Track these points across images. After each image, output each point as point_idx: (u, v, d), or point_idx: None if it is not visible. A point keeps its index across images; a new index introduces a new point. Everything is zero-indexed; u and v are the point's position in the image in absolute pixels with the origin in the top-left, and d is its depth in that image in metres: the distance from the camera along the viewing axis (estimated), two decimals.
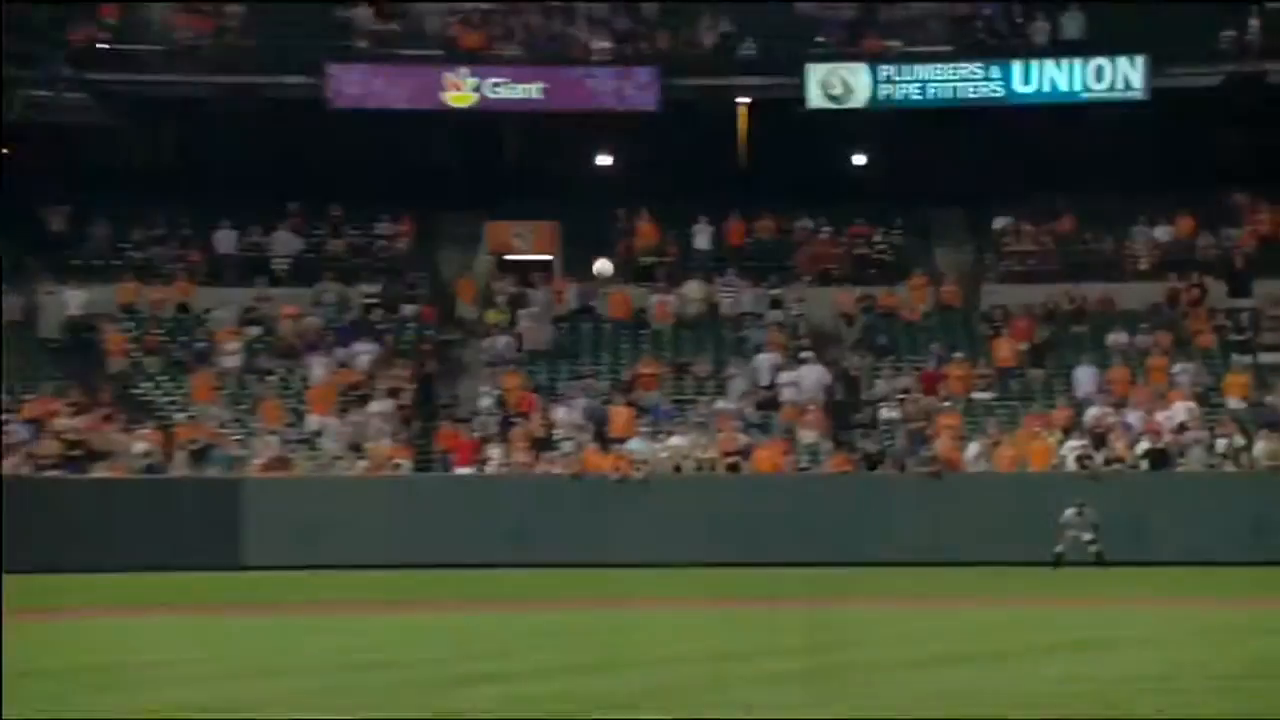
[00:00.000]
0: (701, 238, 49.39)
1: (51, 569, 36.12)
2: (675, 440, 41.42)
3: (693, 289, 47.53)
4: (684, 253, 49.33)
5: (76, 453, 43.11)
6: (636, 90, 48.35)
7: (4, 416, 44.19)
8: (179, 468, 42.82)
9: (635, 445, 41.35)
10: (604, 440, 42.14)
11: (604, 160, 51.12)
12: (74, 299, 49.10)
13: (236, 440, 44.04)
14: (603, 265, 9.93)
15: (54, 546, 38.99)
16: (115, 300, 49.01)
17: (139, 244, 51.45)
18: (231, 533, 40.49)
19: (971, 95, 46.82)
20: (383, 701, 10.77)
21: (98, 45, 50.57)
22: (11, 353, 47.06)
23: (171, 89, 50.65)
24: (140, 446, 43.15)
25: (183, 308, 49.12)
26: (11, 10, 50.06)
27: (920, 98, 46.98)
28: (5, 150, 52.68)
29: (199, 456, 43.23)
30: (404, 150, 50.70)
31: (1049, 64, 46.73)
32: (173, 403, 46.11)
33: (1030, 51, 47.26)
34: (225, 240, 50.70)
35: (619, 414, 42.78)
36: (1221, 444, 40.17)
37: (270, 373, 46.54)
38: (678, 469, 40.79)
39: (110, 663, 14.11)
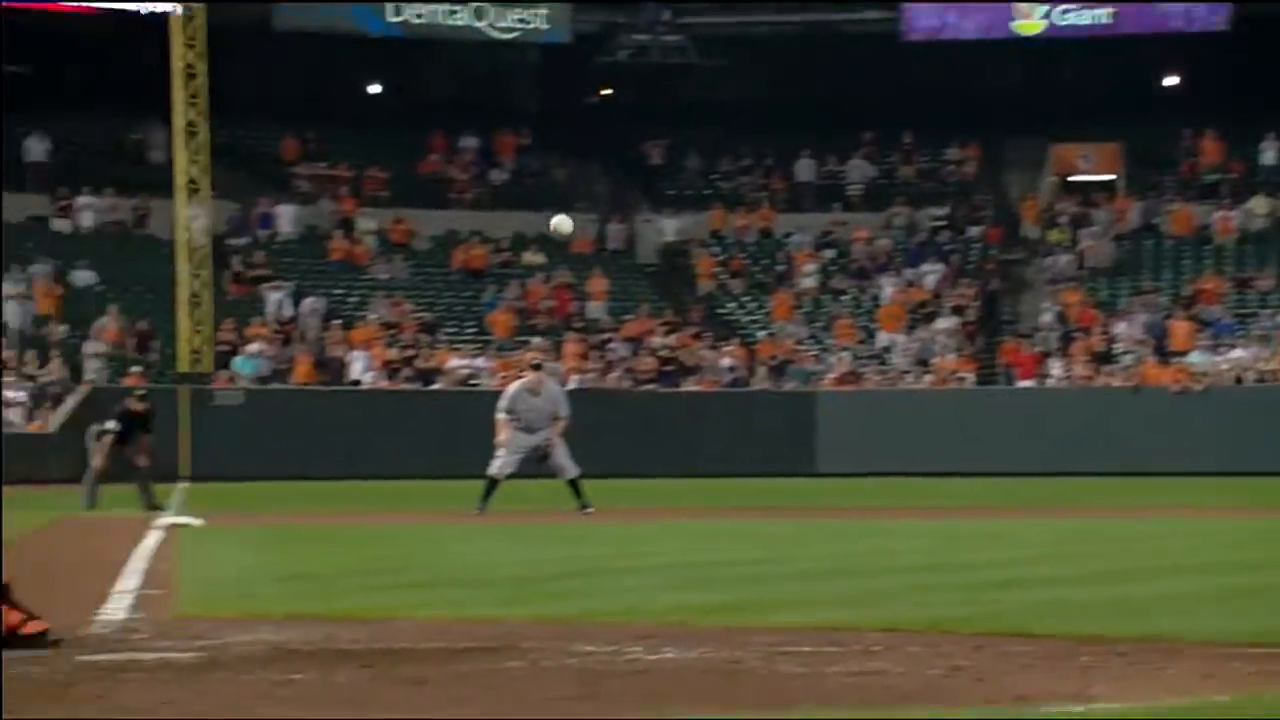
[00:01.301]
0: (1269, 154, 47.00)
1: (641, 474, 36.79)
2: (1237, 353, 39.57)
3: (1258, 204, 45.32)
4: (1249, 169, 47.08)
5: (669, 368, 43.86)
6: (1206, 11, 46.30)
7: (606, 335, 45.33)
8: (760, 381, 43.11)
9: (1195, 358, 39.67)
10: (1164, 354, 40.61)
11: (1169, 81, 49.17)
12: (669, 226, 49.98)
13: (812, 356, 44.06)
14: (560, 221, 8.72)
15: (648, 454, 39.76)
16: (705, 227, 49.71)
17: (727, 174, 52.00)
18: (807, 442, 40.59)
19: None
20: (927, 600, 10.27)
21: None
22: (614, 278, 48.28)
23: (758, 28, 51.00)
24: (726, 362, 43.60)
25: (765, 233, 49.40)
26: None
27: None
28: (610, 90, 54.02)
29: (778, 371, 43.42)
30: (972, 78, 49.77)
31: None
32: (755, 321, 46.44)
33: None
34: (805, 169, 50.79)
35: (1179, 328, 41.09)
36: None
37: (844, 292, 46.41)
38: (1238, 381, 39.03)
39: (684, 562, 14.05)
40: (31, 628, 8.21)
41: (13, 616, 8.18)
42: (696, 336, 44.84)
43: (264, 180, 51.66)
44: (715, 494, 30.05)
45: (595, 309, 46.70)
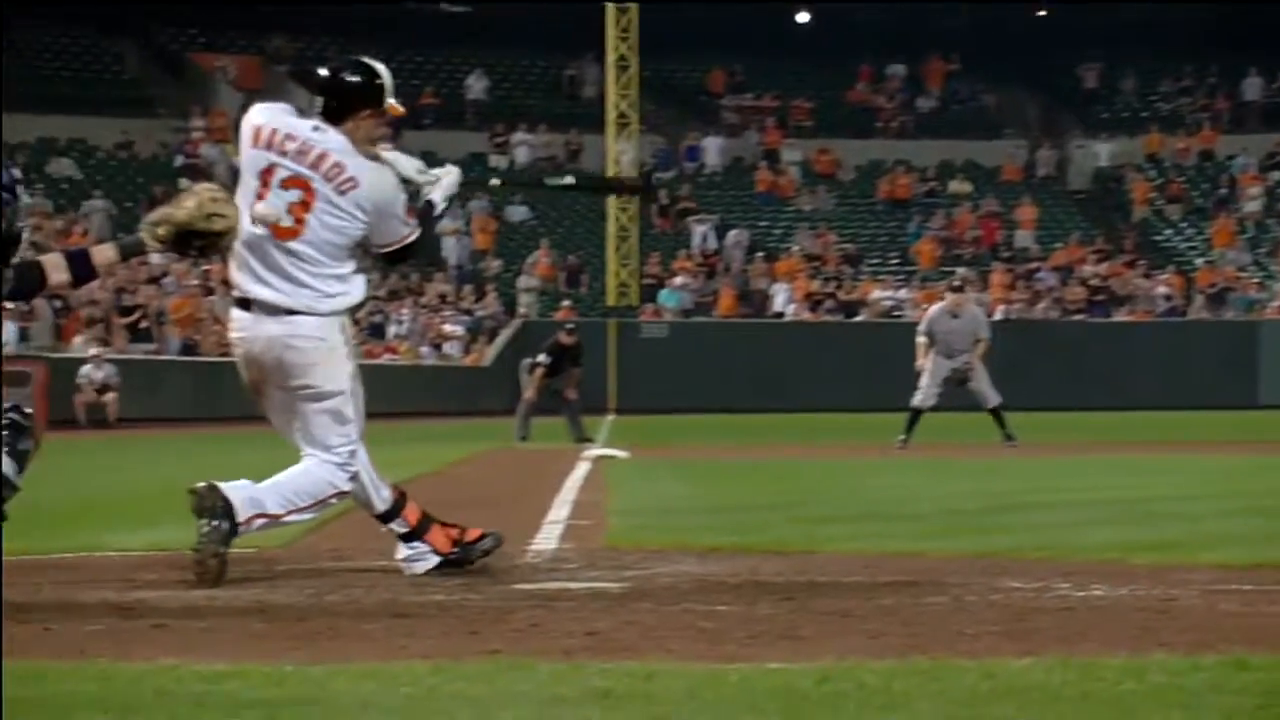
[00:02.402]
0: None
1: (1069, 407, 36.14)
2: None
3: None
4: None
5: (1100, 298, 42.94)
6: None
7: (1034, 264, 44.58)
8: (1197, 311, 41.90)
9: None
10: None
11: None
12: (1102, 151, 48.88)
13: (1255, 283, 42.62)
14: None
15: (1077, 386, 39.05)
16: (1141, 150, 48.43)
17: (1165, 96, 50.53)
18: (1248, 373, 39.32)
19: None
20: None
21: None
22: (1044, 205, 47.44)
23: None
24: (1161, 290, 42.50)
25: (1206, 155, 47.89)
26: None
27: None
28: (1044, 12, 52.96)
29: (1217, 300, 42.13)
30: None
31: None
32: (1192, 248, 45.11)
33: None
34: (1251, 87, 49.05)
35: None
36: None
37: None
38: None
39: (1114, 497, 13.78)
40: (473, 534, 8.56)
41: (450, 531, 8.51)
42: (1129, 265, 43.80)
43: (691, 113, 52.32)
44: (1148, 427, 29.35)
45: (1023, 237, 46.02)
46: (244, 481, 8.05)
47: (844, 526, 10.97)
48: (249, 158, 8.12)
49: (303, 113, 8.24)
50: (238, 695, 5.12)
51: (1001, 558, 9.07)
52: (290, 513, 8.13)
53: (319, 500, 8.20)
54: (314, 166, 8.05)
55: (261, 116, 8.16)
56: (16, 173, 7.63)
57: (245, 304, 8.15)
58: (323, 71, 8.26)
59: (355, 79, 8.17)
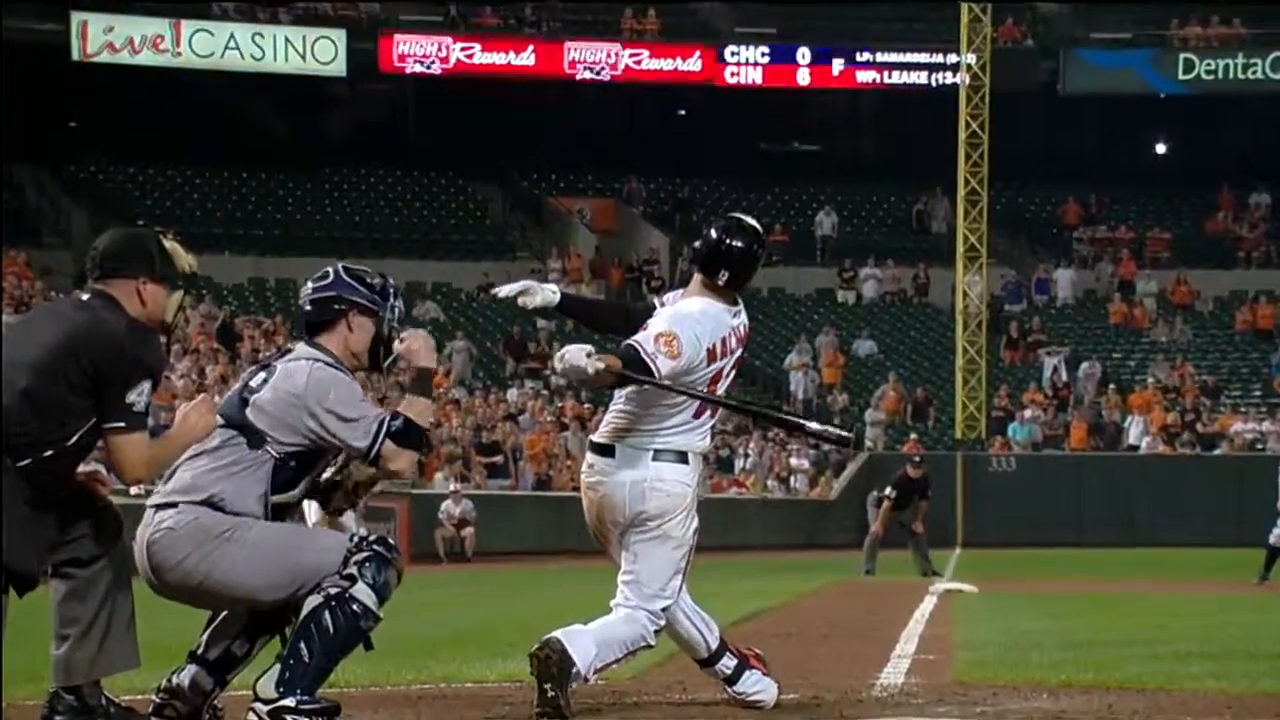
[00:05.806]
0: None
1: None
2: None
3: None
4: None
5: None
6: None
7: None
8: None
9: None
10: None
11: None
12: None
13: None
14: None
15: None
16: None
17: None
18: None
19: None
20: None
21: None
22: None
23: None
24: None
25: None
26: None
27: None
28: None
29: None
30: None
31: None
32: None
33: None
34: None
35: None
36: None
37: None
38: None
39: None
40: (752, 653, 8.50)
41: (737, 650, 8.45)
42: None
43: (1042, 245, 51.80)
44: None
45: None
46: (577, 627, 7.84)
47: (1204, 664, 10.63)
48: (702, 368, 7.89)
49: (676, 286, 8.22)
50: None
51: None
52: (608, 665, 7.96)
53: (630, 653, 8.03)
54: (744, 343, 8.12)
55: (708, 335, 7.90)
56: (392, 283, 7.83)
57: (607, 450, 7.95)
58: (714, 235, 8.08)
59: (751, 248, 8.10)
